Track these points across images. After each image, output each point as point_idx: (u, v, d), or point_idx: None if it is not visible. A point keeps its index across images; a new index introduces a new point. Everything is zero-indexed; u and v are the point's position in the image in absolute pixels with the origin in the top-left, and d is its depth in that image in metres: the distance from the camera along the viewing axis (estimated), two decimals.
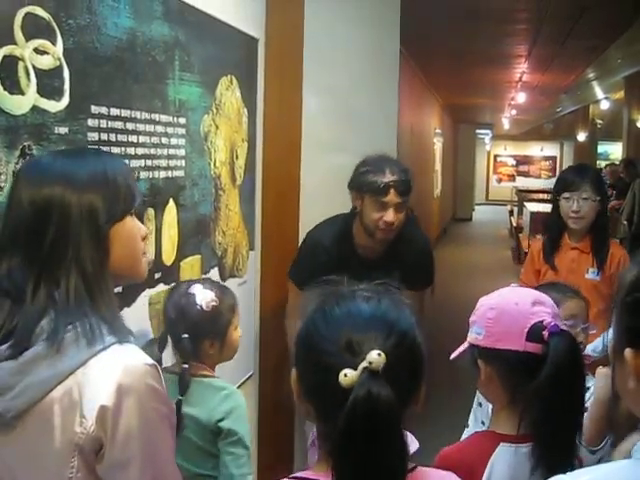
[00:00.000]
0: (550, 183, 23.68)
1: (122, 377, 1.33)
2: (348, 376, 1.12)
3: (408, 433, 1.89)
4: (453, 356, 1.90)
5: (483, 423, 2.31)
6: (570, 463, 1.65)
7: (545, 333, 1.70)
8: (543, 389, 1.65)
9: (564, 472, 1.17)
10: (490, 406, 2.00)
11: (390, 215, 3.03)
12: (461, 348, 1.88)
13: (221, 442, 2.29)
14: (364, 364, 1.13)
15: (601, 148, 21.02)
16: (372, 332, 1.18)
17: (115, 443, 1.31)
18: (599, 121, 18.69)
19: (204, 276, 2.88)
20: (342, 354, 1.17)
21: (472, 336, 1.84)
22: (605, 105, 15.91)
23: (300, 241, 3.55)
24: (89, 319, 1.36)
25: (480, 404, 2.39)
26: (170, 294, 2.41)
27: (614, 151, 20.87)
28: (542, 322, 1.72)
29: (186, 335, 2.28)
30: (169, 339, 2.37)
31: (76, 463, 1.31)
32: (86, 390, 1.31)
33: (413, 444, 1.91)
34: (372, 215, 3.07)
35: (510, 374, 1.76)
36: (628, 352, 1.09)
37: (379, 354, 1.13)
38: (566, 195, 3.47)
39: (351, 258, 3.19)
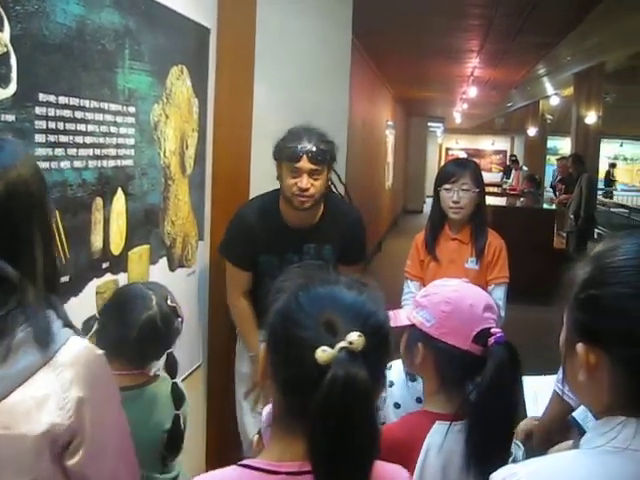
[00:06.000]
0: (501, 177, 24.02)
1: (88, 368, 1.33)
2: (326, 352, 1.13)
3: None
4: (395, 325, 1.94)
5: (419, 400, 2.33)
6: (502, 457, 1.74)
7: (491, 340, 1.80)
8: (482, 394, 1.76)
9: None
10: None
11: (303, 181, 3.11)
12: (403, 321, 1.93)
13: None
14: (343, 344, 1.14)
15: (551, 143, 21.36)
16: (352, 316, 1.20)
17: (89, 434, 1.32)
18: (549, 116, 18.95)
19: (152, 266, 2.87)
20: (321, 331, 1.18)
21: (419, 319, 1.90)
22: (555, 101, 16.10)
23: None
24: (45, 313, 1.34)
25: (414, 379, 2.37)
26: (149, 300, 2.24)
27: (563, 146, 21.20)
28: (489, 329, 1.83)
29: (171, 350, 2.28)
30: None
31: (47, 456, 1.29)
32: (54, 384, 1.29)
33: None
34: (288, 181, 3.15)
35: (447, 365, 1.87)
36: (580, 347, 1.13)
37: (360, 335, 1.15)
38: (447, 186, 3.52)
39: (282, 231, 3.26)
